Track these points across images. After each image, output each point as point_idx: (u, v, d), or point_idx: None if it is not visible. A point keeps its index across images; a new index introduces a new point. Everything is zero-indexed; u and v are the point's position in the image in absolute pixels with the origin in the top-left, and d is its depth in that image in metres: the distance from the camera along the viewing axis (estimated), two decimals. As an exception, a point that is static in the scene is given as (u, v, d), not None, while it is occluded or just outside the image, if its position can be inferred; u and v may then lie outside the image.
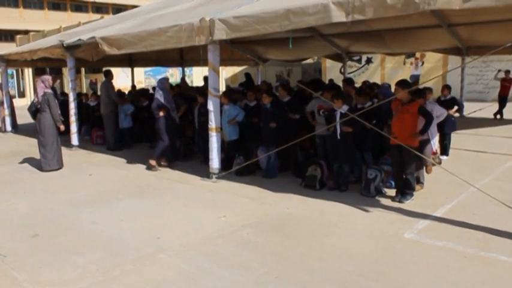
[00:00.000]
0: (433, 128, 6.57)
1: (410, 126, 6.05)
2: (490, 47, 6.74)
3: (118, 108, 10.92)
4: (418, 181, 6.64)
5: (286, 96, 8.00)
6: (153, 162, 8.35)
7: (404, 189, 6.23)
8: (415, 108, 6.05)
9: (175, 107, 8.71)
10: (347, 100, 6.78)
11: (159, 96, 8.34)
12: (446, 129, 8.37)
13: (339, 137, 6.61)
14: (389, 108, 6.41)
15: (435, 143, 6.75)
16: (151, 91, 13.72)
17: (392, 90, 7.40)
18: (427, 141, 6.63)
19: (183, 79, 10.69)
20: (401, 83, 6.17)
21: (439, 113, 6.73)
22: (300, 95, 9.16)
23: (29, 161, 9.43)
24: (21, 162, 9.41)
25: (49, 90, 8.59)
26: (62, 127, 8.82)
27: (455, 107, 8.88)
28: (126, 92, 12.72)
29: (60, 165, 8.74)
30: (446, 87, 8.99)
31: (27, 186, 7.45)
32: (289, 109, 7.78)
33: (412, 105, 6.07)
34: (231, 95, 8.51)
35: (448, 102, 8.60)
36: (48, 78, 8.76)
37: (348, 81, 8.58)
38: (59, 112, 8.70)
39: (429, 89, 8.72)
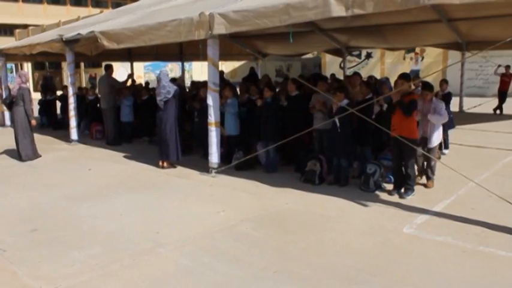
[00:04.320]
0: (437, 128, 6.57)
1: (409, 119, 6.06)
2: (490, 42, 6.72)
3: (120, 101, 10.94)
4: (429, 178, 6.65)
5: (295, 91, 7.98)
6: (167, 164, 8.13)
7: (405, 184, 6.23)
8: (407, 99, 6.07)
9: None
10: (348, 94, 6.82)
11: (172, 87, 7.96)
12: (445, 127, 8.35)
13: (339, 130, 6.59)
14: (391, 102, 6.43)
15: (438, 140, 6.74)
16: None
17: (392, 84, 7.41)
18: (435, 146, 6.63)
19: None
20: (404, 76, 6.21)
21: (441, 114, 6.67)
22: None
23: (28, 155, 9.41)
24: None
25: (24, 85, 8.99)
26: (34, 122, 9.26)
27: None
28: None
29: (35, 156, 9.11)
30: (445, 82, 9.00)
31: (26, 181, 7.46)
32: (298, 103, 7.77)
33: (406, 97, 6.09)
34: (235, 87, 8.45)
35: (445, 97, 8.61)
36: (25, 73, 9.31)
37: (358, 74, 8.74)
38: (32, 107, 9.16)
39: (445, 81, 8.76)
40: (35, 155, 9.13)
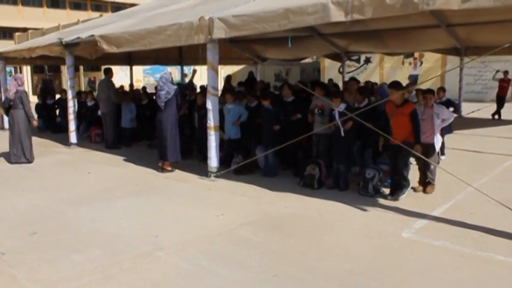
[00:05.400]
0: (437, 131, 6.60)
1: (406, 128, 6.09)
2: (489, 47, 6.77)
3: (122, 107, 10.96)
4: (429, 183, 6.66)
5: (291, 96, 8.00)
6: (168, 167, 8.15)
7: (398, 185, 6.25)
8: (407, 110, 6.08)
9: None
10: (343, 98, 6.86)
11: (171, 88, 7.96)
12: (442, 132, 8.36)
13: (343, 134, 6.61)
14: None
15: (438, 145, 6.76)
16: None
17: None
18: (433, 148, 6.63)
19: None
20: (395, 85, 6.21)
21: (446, 117, 6.69)
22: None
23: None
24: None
25: (21, 88, 9.08)
26: (35, 123, 9.52)
27: (451, 108, 8.88)
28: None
29: (32, 159, 9.12)
30: (442, 90, 8.98)
31: (25, 184, 7.45)
32: (293, 109, 7.79)
33: (405, 107, 6.11)
34: (235, 93, 8.48)
35: (443, 105, 8.59)
36: (21, 76, 9.44)
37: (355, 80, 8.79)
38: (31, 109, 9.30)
39: (442, 88, 8.81)
40: (32, 157, 9.12)
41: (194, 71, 9.02)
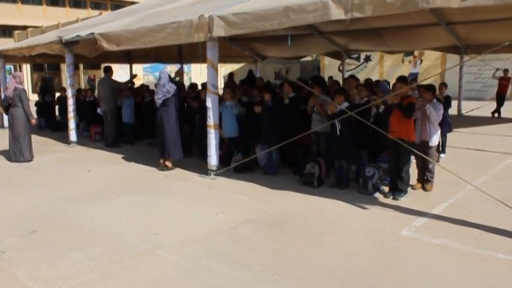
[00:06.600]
0: (437, 129, 6.63)
1: (407, 121, 6.09)
2: (489, 45, 6.74)
3: (121, 101, 10.97)
4: (428, 181, 6.66)
5: (291, 92, 8.01)
6: (169, 164, 8.15)
7: (399, 186, 6.25)
8: (406, 102, 6.09)
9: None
10: (348, 97, 6.86)
11: (172, 87, 7.98)
12: (442, 130, 8.38)
13: (338, 133, 6.61)
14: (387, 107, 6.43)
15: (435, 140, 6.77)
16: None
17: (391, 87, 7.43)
18: (429, 145, 6.64)
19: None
20: (404, 79, 6.25)
21: (437, 110, 6.67)
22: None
23: (27, 157, 9.41)
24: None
25: (20, 86, 9.09)
26: (34, 121, 9.52)
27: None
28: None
29: (31, 157, 9.15)
30: (444, 85, 9.01)
31: (25, 182, 7.45)
32: (292, 105, 7.80)
33: (406, 100, 6.11)
34: (235, 91, 8.51)
35: (444, 99, 8.62)
36: (20, 74, 9.41)
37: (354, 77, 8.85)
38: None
39: (444, 84, 8.84)
40: (31, 156, 9.14)
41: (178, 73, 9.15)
